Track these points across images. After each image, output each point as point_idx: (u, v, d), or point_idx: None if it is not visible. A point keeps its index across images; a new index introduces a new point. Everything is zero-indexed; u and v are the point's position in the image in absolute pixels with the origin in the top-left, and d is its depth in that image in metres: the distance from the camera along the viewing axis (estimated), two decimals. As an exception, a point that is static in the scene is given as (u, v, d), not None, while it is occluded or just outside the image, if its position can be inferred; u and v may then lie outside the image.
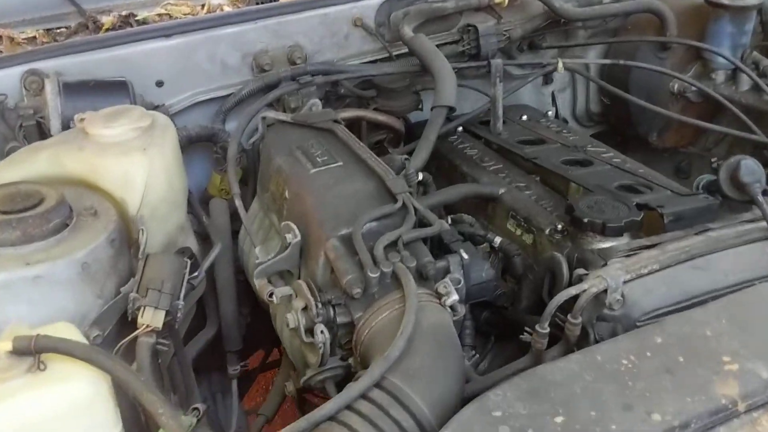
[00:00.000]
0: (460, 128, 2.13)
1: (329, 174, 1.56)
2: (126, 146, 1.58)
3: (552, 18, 2.34)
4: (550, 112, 2.26)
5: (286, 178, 1.59)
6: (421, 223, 1.47)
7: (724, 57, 2.29)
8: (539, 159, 1.90)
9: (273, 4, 2.09)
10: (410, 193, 1.48)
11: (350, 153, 1.64)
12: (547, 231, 1.63)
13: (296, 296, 1.37)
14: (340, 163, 1.60)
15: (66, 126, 1.75)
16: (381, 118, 1.98)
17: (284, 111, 2.03)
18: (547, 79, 2.52)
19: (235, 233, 1.85)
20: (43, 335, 1.14)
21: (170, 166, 1.65)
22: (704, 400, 1.13)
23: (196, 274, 1.56)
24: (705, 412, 1.11)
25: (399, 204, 1.45)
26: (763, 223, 1.51)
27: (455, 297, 1.31)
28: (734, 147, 2.52)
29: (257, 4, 2.13)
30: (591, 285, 1.35)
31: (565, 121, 2.61)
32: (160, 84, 1.96)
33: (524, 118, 2.21)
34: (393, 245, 1.38)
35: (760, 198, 1.52)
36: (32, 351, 1.13)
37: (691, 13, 2.44)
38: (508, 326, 1.62)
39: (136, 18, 2.04)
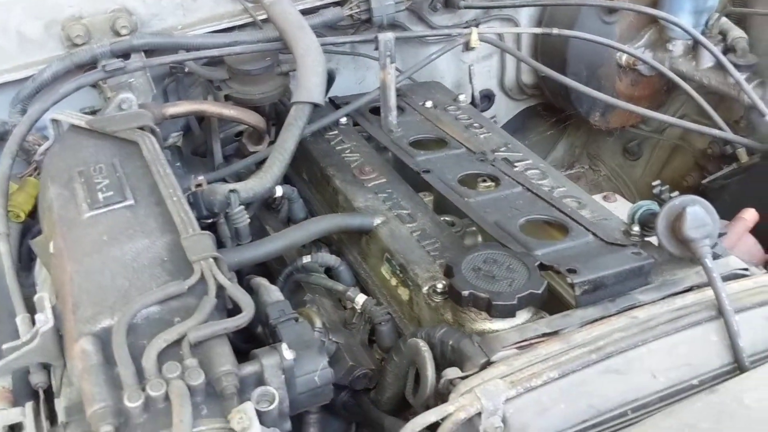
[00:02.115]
0: (344, 119, 1.67)
1: (108, 221, 1.09)
2: None
3: (473, -31, 1.85)
4: (462, 96, 1.79)
5: (54, 223, 1.13)
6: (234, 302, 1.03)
7: (681, 28, 1.83)
8: (432, 173, 1.45)
9: (85, -47, 1.55)
10: (215, 258, 1.03)
11: (150, 184, 1.17)
12: (424, 289, 1.20)
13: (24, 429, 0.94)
14: (130, 203, 1.13)
15: None
16: (228, 112, 1.49)
17: (105, 100, 1.55)
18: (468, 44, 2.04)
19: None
20: None
21: None
22: None
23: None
24: None
25: (195, 278, 1.00)
26: (710, 292, 1.10)
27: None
28: (691, 132, 2.09)
29: (67, -50, 1.57)
30: (458, 407, 0.93)
31: (488, 97, 2.14)
32: (-69, 67, 1.46)
33: (428, 104, 1.75)
34: (176, 346, 0.94)
35: (709, 261, 1.10)
36: None
37: (647, -34, 1.97)
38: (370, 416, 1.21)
39: None
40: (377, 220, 1.35)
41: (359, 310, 1.25)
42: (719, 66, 1.83)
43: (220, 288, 1.01)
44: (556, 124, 2.32)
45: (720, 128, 1.75)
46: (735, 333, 1.05)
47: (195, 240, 1.05)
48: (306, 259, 1.34)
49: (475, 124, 1.67)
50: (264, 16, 1.68)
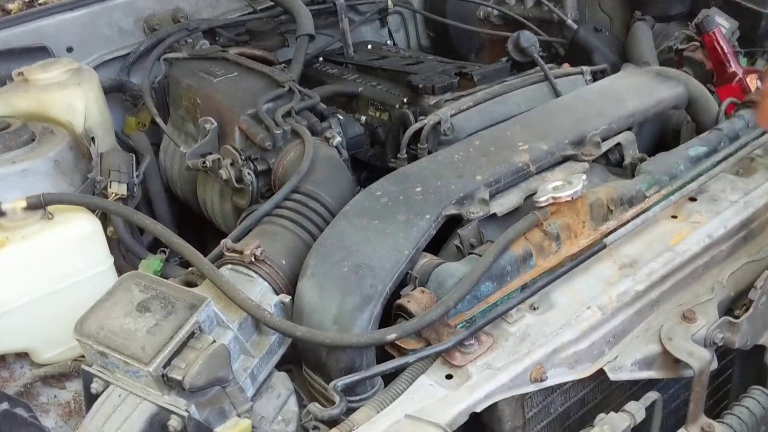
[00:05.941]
0: (321, 58, 2.69)
1: (229, 80, 2.07)
2: (64, 83, 2.01)
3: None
4: (388, 41, 2.86)
5: (196, 90, 2.08)
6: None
7: (508, -17, 3.00)
8: (385, 65, 2.49)
9: (155, -21, 2.57)
10: (293, 80, 2.01)
11: (242, 67, 2.15)
12: (397, 105, 2.21)
13: (223, 158, 1.86)
14: (236, 74, 2.10)
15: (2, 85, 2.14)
16: (257, 52, 2.49)
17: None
18: (384, 22, 3.12)
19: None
20: (49, 192, 1.58)
21: (99, 99, 2.09)
22: (509, 166, 1.73)
23: (138, 172, 2.01)
24: (509, 172, 1.71)
25: (286, 88, 1.97)
26: (541, 73, 2.16)
27: (338, 139, 1.86)
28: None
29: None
30: (429, 119, 1.94)
31: (403, 52, 3.23)
32: (70, 50, 2.38)
33: (369, 47, 2.80)
34: (288, 114, 1.90)
35: (536, 54, 2.18)
36: (42, 204, 1.56)
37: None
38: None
39: (39, 2, 2.44)
40: (360, 88, 2.36)
41: (362, 123, 2.23)
42: (539, 3, 2.99)
43: (300, 91, 1.98)
44: (449, 69, 3.42)
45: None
46: (554, 83, 2.12)
47: (280, 74, 2.03)
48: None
49: (401, 51, 2.74)
50: (260, 7, 2.71)
